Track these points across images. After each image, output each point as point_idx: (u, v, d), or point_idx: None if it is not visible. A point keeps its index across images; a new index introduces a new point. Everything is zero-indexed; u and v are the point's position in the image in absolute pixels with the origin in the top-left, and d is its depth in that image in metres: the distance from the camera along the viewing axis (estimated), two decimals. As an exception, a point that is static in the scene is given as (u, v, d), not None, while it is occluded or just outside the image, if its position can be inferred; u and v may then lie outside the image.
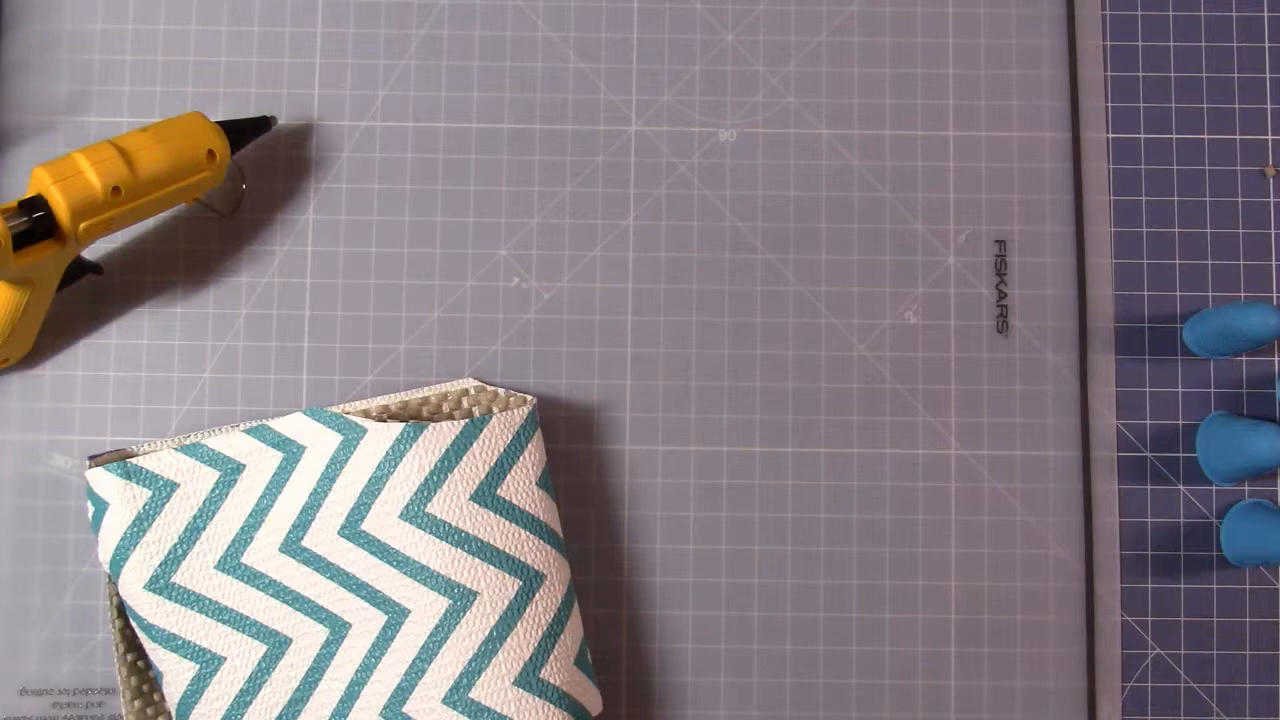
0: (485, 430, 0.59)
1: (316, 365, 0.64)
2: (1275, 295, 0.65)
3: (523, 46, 0.66)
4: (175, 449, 0.60)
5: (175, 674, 0.59)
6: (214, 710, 0.59)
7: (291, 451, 0.60)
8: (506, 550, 0.58)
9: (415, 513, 0.58)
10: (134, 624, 0.59)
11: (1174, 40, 0.66)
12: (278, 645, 0.59)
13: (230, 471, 0.60)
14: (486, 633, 0.57)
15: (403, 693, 0.58)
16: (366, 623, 0.59)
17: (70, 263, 0.59)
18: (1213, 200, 0.65)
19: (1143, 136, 0.66)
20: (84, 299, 0.64)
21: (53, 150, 0.65)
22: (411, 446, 0.58)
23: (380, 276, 0.65)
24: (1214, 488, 0.64)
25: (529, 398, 0.62)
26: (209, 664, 0.59)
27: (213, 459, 0.60)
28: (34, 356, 0.64)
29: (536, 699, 0.57)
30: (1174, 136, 0.66)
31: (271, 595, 0.59)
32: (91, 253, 0.64)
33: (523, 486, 0.59)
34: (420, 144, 0.65)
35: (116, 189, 0.57)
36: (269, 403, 0.64)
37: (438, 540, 0.58)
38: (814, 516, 0.64)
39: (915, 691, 0.63)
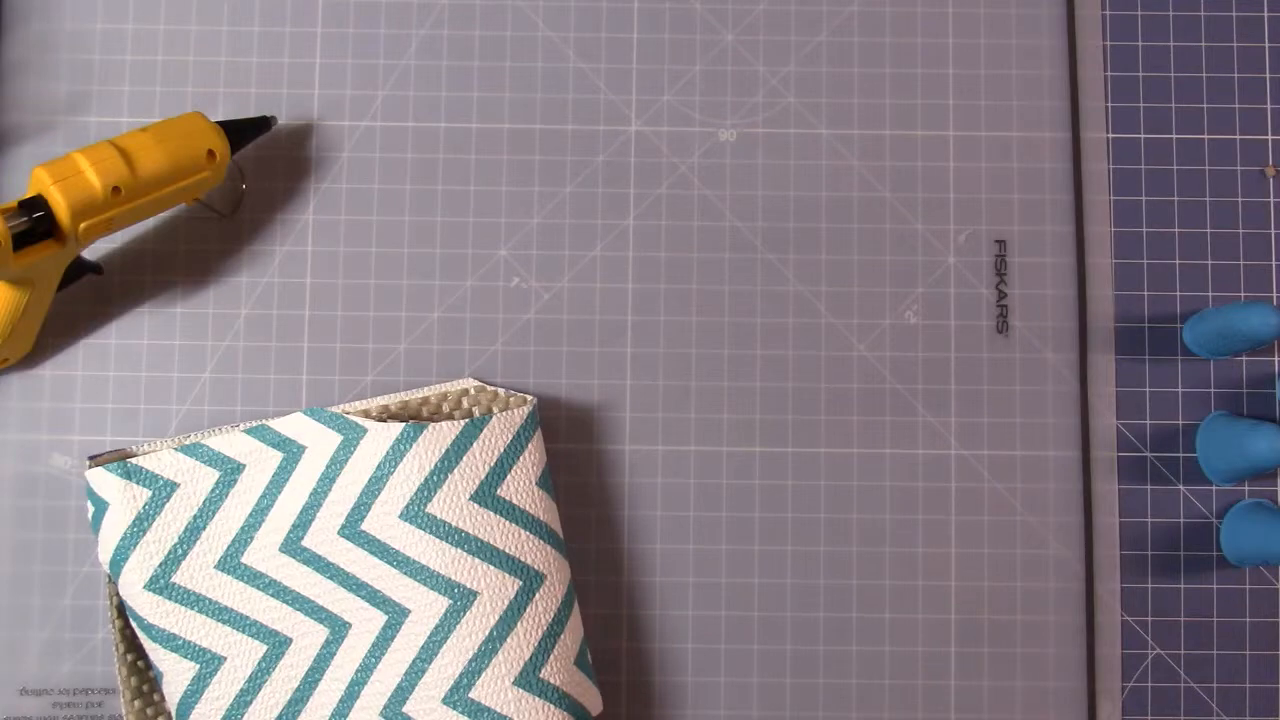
0: (485, 430, 0.59)
1: (316, 365, 0.64)
2: (1275, 295, 0.65)
3: (523, 46, 0.66)
4: (175, 449, 0.60)
5: (175, 674, 0.59)
6: (214, 710, 0.59)
7: (291, 451, 0.60)
8: (506, 550, 0.58)
9: (415, 513, 0.58)
10: (134, 624, 0.59)
11: (1174, 40, 0.66)
12: (278, 645, 0.59)
13: (230, 471, 0.60)
14: (486, 633, 0.57)
15: (403, 693, 0.58)
16: (366, 623, 0.59)
17: (70, 263, 0.59)
18: (1213, 200, 0.65)
19: (1143, 136, 0.66)
20: (84, 299, 0.64)
21: (53, 150, 0.65)
22: (411, 446, 0.58)
23: (380, 276, 0.65)
24: (1214, 488, 0.64)
25: (529, 398, 0.62)
26: (209, 664, 0.59)
27: (213, 459, 0.60)
28: (34, 356, 0.64)
29: (536, 699, 0.57)
30: (1174, 136, 0.66)
31: (271, 595, 0.59)
32: (91, 253, 0.64)
33: (523, 486, 0.59)
34: (420, 144, 0.65)
35: (116, 189, 0.57)
36: (269, 403, 0.64)
37: (438, 540, 0.58)
38: (814, 516, 0.64)
39: (915, 691, 0.63)
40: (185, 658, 0.59)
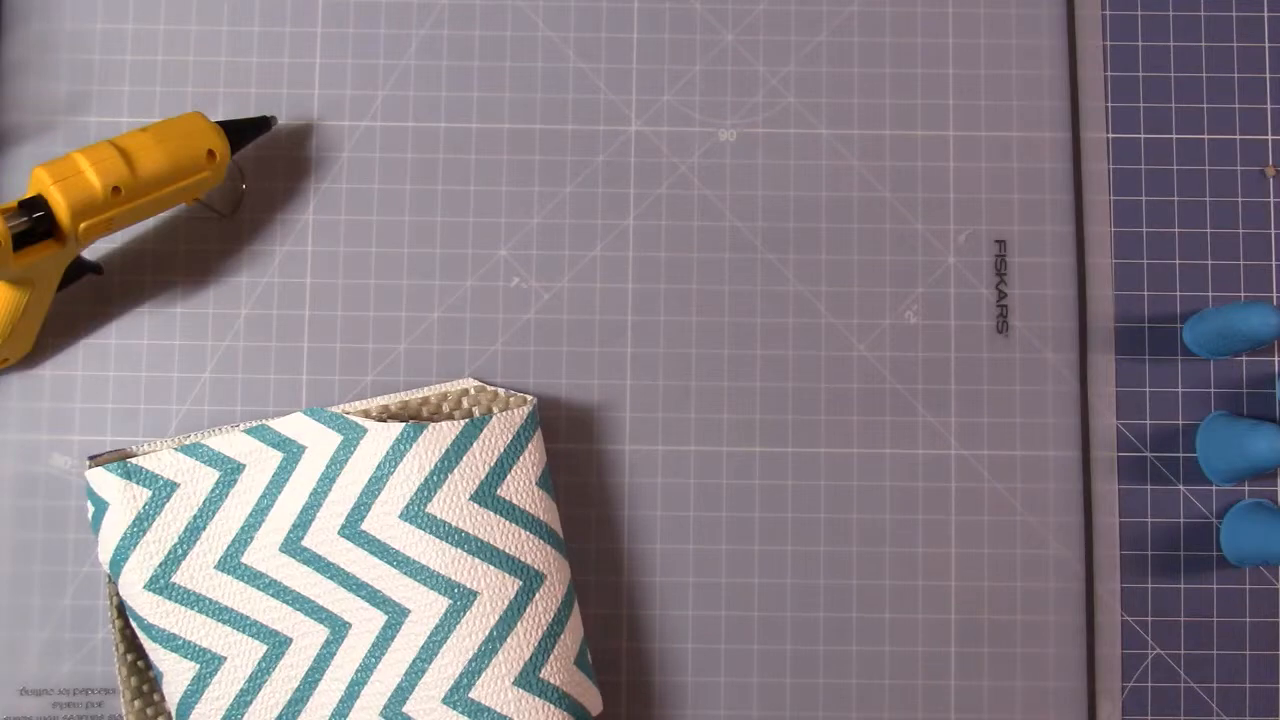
0: (485, 430, 0.59)
1: (316, 365, 0.64)
2: (1275, 295, 0.65)
3: (523, 46, 0.66)
4: (175, 449, 0.60)
5: (175, 674, 0.59)
6: (214, 710, 0.59)
7: (291, 451, 0.60)
8: (506, 550, 0.58)
9: (415, 513, 0.58)
10: (134, 624, 0.59)
11: (1174, 40, 0.66)
12: (278, 645, 0.59)
13: (230, 471, 0.60)
14: (486, 633, 0.57)
15: (403, 693, 0.58)
16: (367, 623, 0.59)
17: (70, 263, 0.59)
18: (1213, 200, 0.65)
19: (1143, 136, 0.66)
20: (84, 299, 0.64)
21: (53, 150, 0.65)
22: (411, 446, 0.58)
23: (380, 276, 0.65)
24: (1214, 488, 0.64)
25: (529, 398, 0.62)
26: (209, 664, 0.59)
27: (213, 459, 0.60)
28: (34, 356, 0.64)
29: (536, 699, 0.57)
30: (1174, 136, 0.66)
31: (272, 595, 0.59)
32: (91, 253, 0.64)
33: (523, 486, 0.59)
34: (420, 144, 0.65)
35: (116, 189, 0.57)
36: (269, 403, 0.64)
37: (438, 540, 0.58)
38: (814, 516, 0.64)
39: (915, 691, 0.63)
40: (185, 658, 0.59)
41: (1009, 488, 0.64)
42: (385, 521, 0.58)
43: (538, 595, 0.58)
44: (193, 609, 0.59)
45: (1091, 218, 0.65)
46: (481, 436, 0.59)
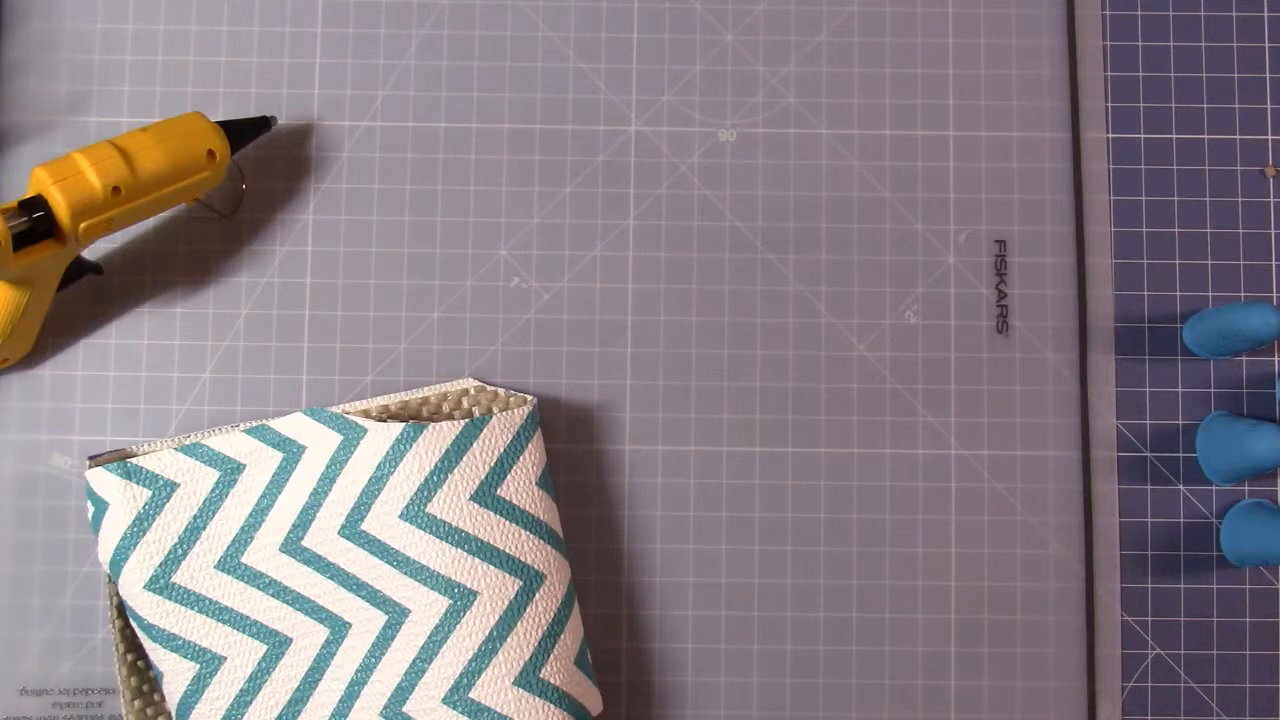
0: (485, 430, 0.59)
1: (316, 365, 0.64)
2: (1275, 295, 0.65)
3: (523, 46, 0.66)
4: (175, 449, 0.60)
5: (175, 674, 0.59)
6: (214, 710, 0.59)
7: (291, 451, 0.60)
8: (506, 550, 0.58)
9: (415, 513, 0.58)
10: (134, 624, 0.59)
11: (1174, 40, 0.66)
12: (278, 645, 0.59)
13: (230, 471, 0.60)
14: (486, 633, 0.57)
15: (403, 692, 0.58)
16: (367, 623, 0.59)
17: (70, 263, 0.59)
18: (1213, 200, 0.65)
19: (1143, 136, 0.66)
20: (84, 299, 0.64)
21: (53, 150, 0.65)
22: (411, 446, 0.58)
23: (380, 276, 0.65)
24: (1214, 488, 0.64)
25: (529, 398, 0.62)
26: (209, 664, 0.59)
27: (213, 459, 0.60)
28: (34, 356, 0.64)
29: (536, 699, 0.57)
30: (1174, 136, 0.66)
31: (272, 595, 0.59)
32: (91, 253, 0.64)
33: (523, 486, 0.59)
34: (420, 144, 0.65)
35: (116, 189, 0.57)
36: (269, 403, 0.64)
37: (438, 540, 0.58)
38: (814, 516, 0.64)
39: (915, 691, 0.63)
40: (185, 658, 0.59)
41: (1009, 488, 0.64)
42: (385, 521, 0.58)
43: (538, 595, 0.58)
44: (193, 609, 0.59)
45: (1091, 218, 0.65)
46: (481, 436, 0.59)
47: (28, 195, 0.56)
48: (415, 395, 0.62)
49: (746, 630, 0.63)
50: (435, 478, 0.58)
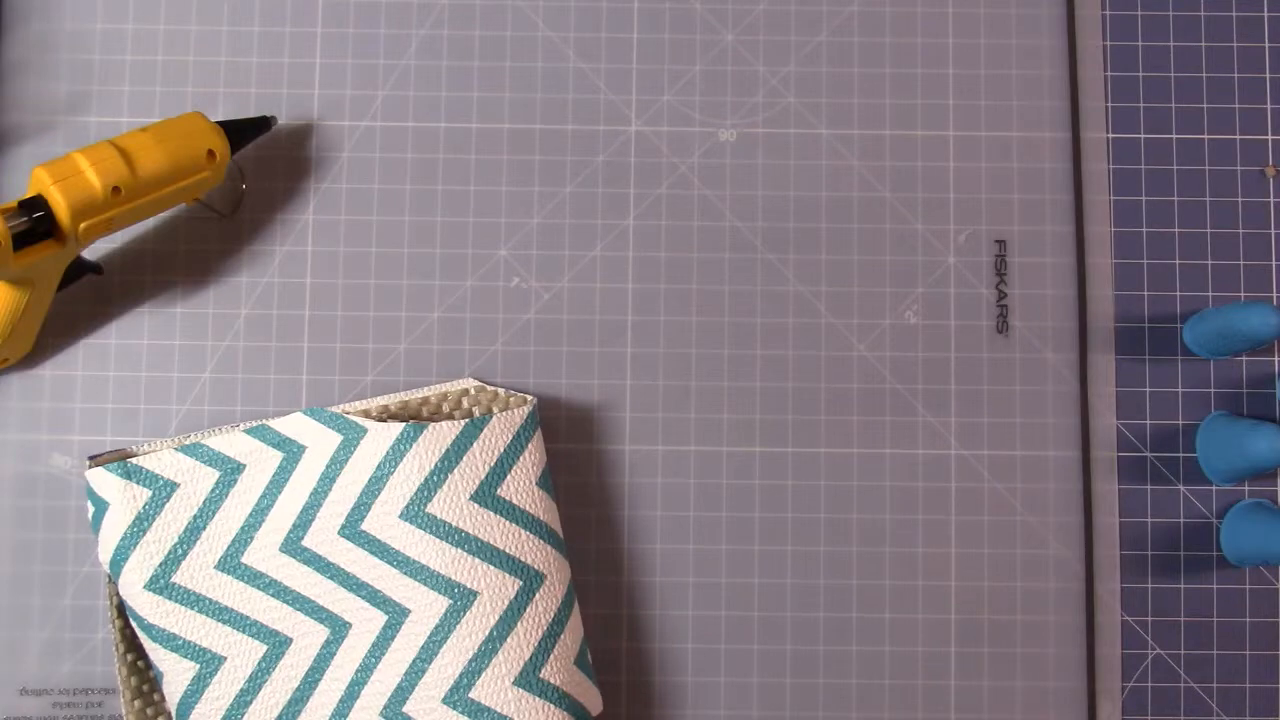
0: (485, 430, 0.59)
1: (316, 365, 0.64)
2: (1275, 295, 0.65)
3: (523, 46, 0.66)
4: (175, 449, 0.60)
5: (175, 674, 0.59)
6: (214, 710, 0.59)
7: (292, 451, 0.60)
8: (506, 550, 0.58)
9: (415, 512, 0.58)
10: (134, 624, 0.59)
11: (1174, 40, 0.66)
12: (278, 645, 0.59)
13: (230, 471, 0.60)
14: (486, 633, 0.57)
15: (403, 692, 0.58)
16: (367, 623, 0.59)
17: (70, 263, 0.59)
18: (1213, 200, 0.65)
19: (1143, 136, 0.66)
20: (84, 299, 0.64)
21: (53, 150, 0.65)
22: (412, 446, 0.58)
23: (380, 276, 0.65)
24: (1214, 488, 0.64)
25: (529, 398, 0.62)
26: (209, 664, 0.59)
27: (213, 459, 0.60)
28: (34, 356, 0.64)
29: (536, 699, 0.57)
30: (1174, 136, 0.66)
31: (272, 595, 0.59)
32: (91, 253, 0.64)
33: (523, 486, 0.59)
34: (420, 144, 0.65)
35: (116, 189, 0.57)
36: (269, 403, 0.64)
37: (438, 540, 0.58)
38: (814, 516, 0.64)
39: (915, 691, 0.63)
40: (185, 658, 0.59)
41: (1009, 488, 0.64)
42: (385, 521, 0.58)
43: (538, 595, 0.58)
44: (193, 609, 0.59)
45: (1091, 218, 0.65)
46: (481, 436, 0.59)
47: (28, 195, 0.56)
48: (415, 395, 0.62)
49: (746, 630, 0.63)
50: (435, 478, 0.58)
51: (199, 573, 0.59)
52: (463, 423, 0.59)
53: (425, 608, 0.58)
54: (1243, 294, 0.65)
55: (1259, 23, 0.66)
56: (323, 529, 0.59)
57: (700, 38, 0.66)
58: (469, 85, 0.66)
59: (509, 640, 0.57)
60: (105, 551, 0.59)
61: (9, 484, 0.63)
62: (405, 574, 0.58)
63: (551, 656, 0.58)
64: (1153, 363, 0.65)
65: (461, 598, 0.57)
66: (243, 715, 0.59)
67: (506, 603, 0.58)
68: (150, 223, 0.65)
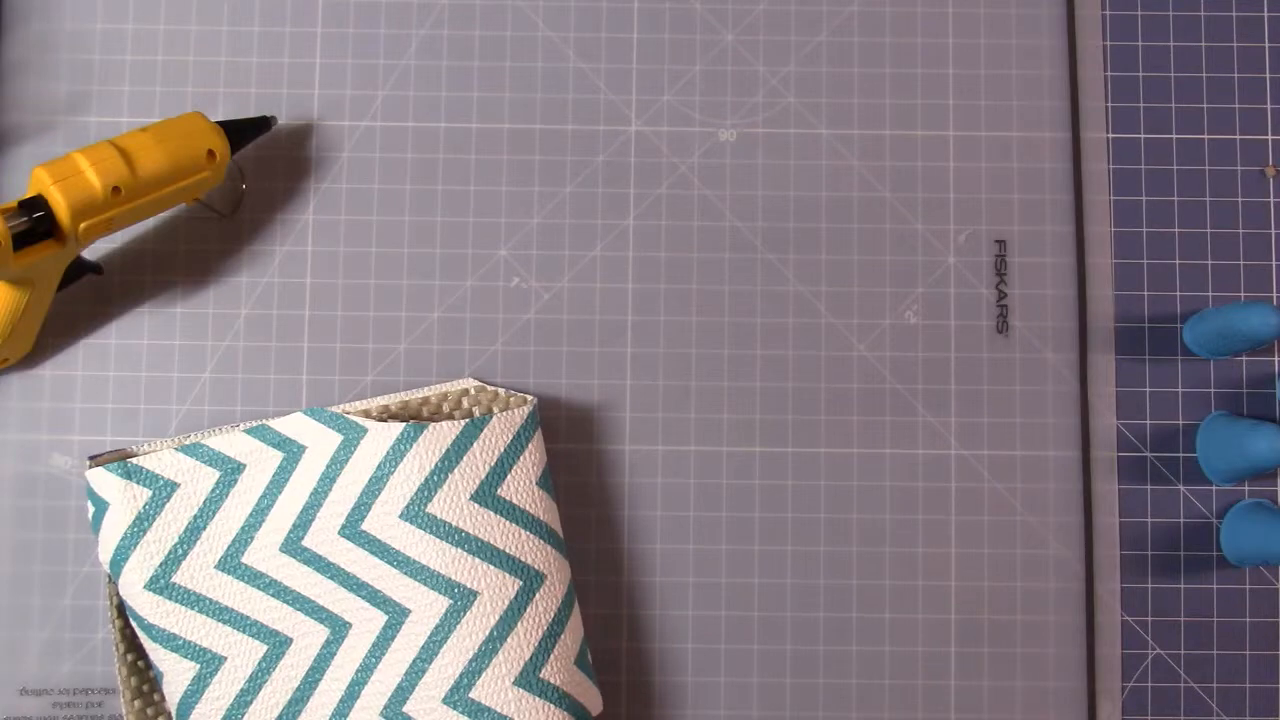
0: (485, 430, 0.59)
1: (316, 365, 0.64)
2: (1275, 295, 0.65)
3: (523, 46, 0.66)
4: (176, 449, 0.60)
5: (175, 674, 0.59)
6: (214, 710, 0.59)
7: (292, 451, 0.60)
8: (507, 550, 0.58)
9: (416, 512, 0.58)
10: (134, 624, 0.59)
11: (1174, 40, 0.66)
12: (278, 645, 0.59)
13: (231, 471, 0.60)
14: (487, 633, 0.57)
15: (403, 692, 0.58)
16: (367, 623, 0.59)
17: (70, 263, 0.59)
18: (1213, 200, 0.65)
19: (1143, 136, 0.66)
20: (84, 299, 0.64)
21: (53, 150, 0.65)
22: (412, 446, 0.58)
23: (380, 276, 0.65)
24: (1214, 488, 0.64)
25: (529, 398, 0.62)
26: (209, 664, 0.59)
27: (213, 459, 0.60)
28: (34, 356, 0.64)
29: (537, 699, 0.57)
30: (1174, 136, 0.66)
31: (272, 595, 0.59)
32: (91, 253, 0.64)
33: (523, 486, 0.59)
34: (420, 144, 0.65)
35: (116, 189, 0.57)
36: (269, 403, 0.64)
37: (438, 540, 0.58)
38: (814, 516, 0.64)
39: (915, 691, 0.63)
40: (185, 658, 0.59)
41: (1009, 488, 0.64)
42: (385, 521, 0.58)
43: (538, 595, 0.58)
44: (193, 609, 0.59)
45: (1091, 218, 0.65)
46: (482, 436, 0.59)
47: (28, 195, 0.56)
48: (415, 395, 0.62)
49: (746, 630, 0.63)
50: (435, 478, 0.58)
51: (199, 573, 0.59)
52: (463, 423, 0.59)
53: (425, 608, 0.58)
54: (1243, 294, 0.65)
55: (1259, 23, 0.66)
56: (323, 529, 0.59)
57: (700, 38, 0.66)
58: (469, 85, 0.66)
59: (509, 640, 0.57)
60: (105, 551, 0.59)
61: (9, 484, 0.63)
62: (405, 574, 0.58)
63: (552, 656, 0.58)
64: (1153, 363, 0.65)
65: (462, 598, 0.57)
66: (243, 715, 0.59)
67: (507, 603, 0.58)
68: (150, 223, 0.65)
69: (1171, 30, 0.66)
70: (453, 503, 0.58)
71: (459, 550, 0.58)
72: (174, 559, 0.59)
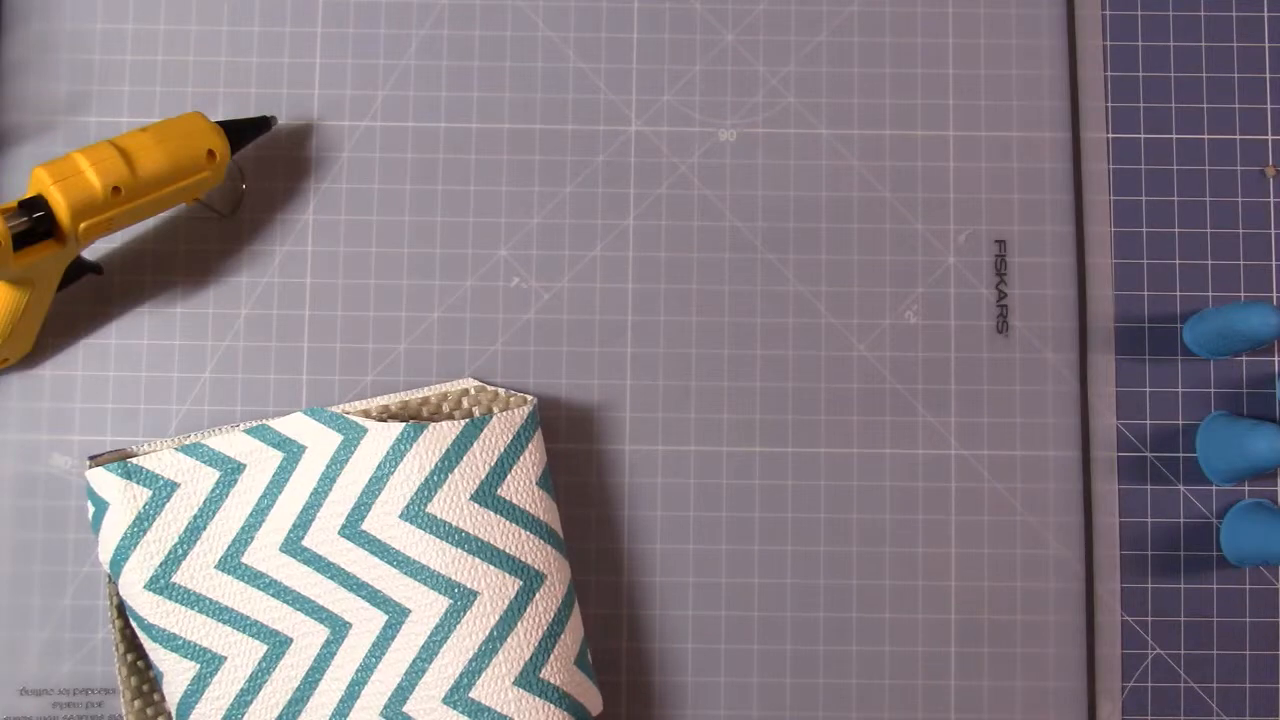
0: (485, 430, 0.59)
1: (316, 365, 0.64)
2: (1275, 295, 0.65)
3: (523, 46, 0.66)
4: (176, 449, 0.60)
5: (175, 674, 0.59)
6: (214, 710, 0.59)
7: (292, 451, 0.60)
8: (507, 550, 0.58)
9: (416, 512, 0.58)
10: (134, 624, 0.59)
11: (1174, 40, 0.66)
12: (278, 645, 0.59)
13: (231, 471, 0.60)
14: (487, 632, 0.57)
15: (403, 692, 0.58)
16: (367, 622, 0.59)
17: (70, 263, 0.59)
18: (1213, 200, 0.65)
19: (1143, 136, 0.66)
20: (84, 299, 0.64)
21: (53, 150, 0.65)
22: (412, 446, 0.58)
23: (380, 276, 0.65)
24: (1214, 488, 0.64)
25: (529, 398, 0.62)
26: (209, 664, 0.59)
27: (213, 459, 0.60)
28: (34, 356, 0.64)
29: (537, 699, 0.57)
30: (1174, 136, 0.66)
31: (272, 595, 0.59)
32: (91, 253, 0.64)
33: (523, 486, 0.59)
34: (420, 144, 0.65)
35: (116, 189, 0.57)
36: (269, 403, 0.64)
37: (438, 540, 0.58)
38: (814, 516, 0.64)
39: (915, 691, 0.63)
40: (185, 658, 0.59)
41: (1009, 488, 0.64)
42: (385, 521, 0.58)
43: (538, 595, 0.58)
44: (193, 609, 0.59)
45: (1091, 218, 0.65)
46: (482, 436, 0.59)
47: (28, 195, 0.56)
48: (415, 395, 0.62)
49: (746, 630, 0.63)
50: (435, 478, 0.58)
51: (199, 573, 0.59)
52: (463, 423, 0.59)
53: (425, 608, 0.58)
54: (1243, 294, 0.65)
55: (1259, 23, 0.66)
56: (323, 529, 0.59)
57: (700, 38, 0.66)
58: (469, 85, 0.66)
59: (509, 640, 0.57)
60: (105, 551, 0.59)
61: (9, 484, 0.63)
62: (405, 574, 0.58)
63: (552, 656, 0.58)
64: (1153, 363, 0.65)
65: (462, 598, 0.57)
66: (243, 715, 0.59)
67: (507, 603, 0.58)
68: (150, 223, 0.65)
69: (1171, 30, 0.66)
70: (453, 503, 0.58)
71: (459, 550, 0.58)
72: (174, 559, 0.59)
